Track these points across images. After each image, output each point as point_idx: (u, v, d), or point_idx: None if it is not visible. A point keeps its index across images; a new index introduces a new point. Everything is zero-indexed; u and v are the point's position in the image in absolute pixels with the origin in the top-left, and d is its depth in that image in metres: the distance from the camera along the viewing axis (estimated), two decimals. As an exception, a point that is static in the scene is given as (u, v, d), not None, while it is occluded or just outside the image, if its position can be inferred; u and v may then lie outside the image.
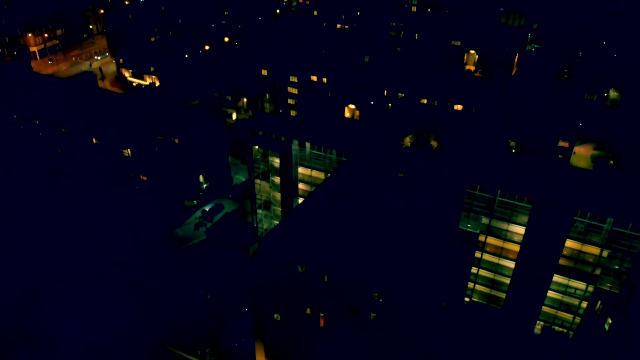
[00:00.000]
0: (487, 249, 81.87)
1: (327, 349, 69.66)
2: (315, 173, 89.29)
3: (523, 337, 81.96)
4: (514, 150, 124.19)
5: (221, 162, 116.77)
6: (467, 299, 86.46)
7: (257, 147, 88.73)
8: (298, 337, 71.83)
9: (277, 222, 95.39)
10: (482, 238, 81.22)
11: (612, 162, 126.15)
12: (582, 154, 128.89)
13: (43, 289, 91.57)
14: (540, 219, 73.26)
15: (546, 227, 72.91)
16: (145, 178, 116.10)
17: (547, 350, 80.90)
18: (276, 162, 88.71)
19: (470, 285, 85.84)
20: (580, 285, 77.17)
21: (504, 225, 78.46)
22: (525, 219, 76.20)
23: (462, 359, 77.10)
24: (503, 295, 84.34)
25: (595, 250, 74.76)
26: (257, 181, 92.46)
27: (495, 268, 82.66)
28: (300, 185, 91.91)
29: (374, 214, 69.65)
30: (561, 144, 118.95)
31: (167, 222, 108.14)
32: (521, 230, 77.27)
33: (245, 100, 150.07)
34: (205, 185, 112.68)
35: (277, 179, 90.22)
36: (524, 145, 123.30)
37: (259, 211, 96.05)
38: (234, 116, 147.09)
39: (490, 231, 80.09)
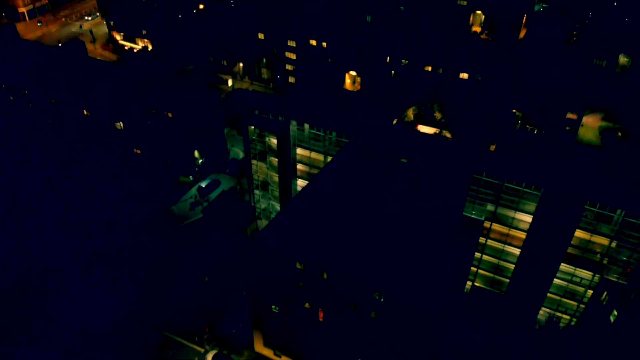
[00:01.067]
0: (492, 236, 79.50)
1: (327, 340, 68.46)
2: (314, 155, 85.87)
3: (525, 324, 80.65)
4: (520, 121, 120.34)
5: (217, 136, 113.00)
6: (469, 284, 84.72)
7: (253, 127, 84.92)
8: (297, 329, 70.52)
9: (275, 203, 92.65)
10: (487, 224, 78.72)
11: (620, 134, 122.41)
12: (589, 125, 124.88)
13: (36, 273, 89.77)
14: (548, 210, 70.34)
15: (555, 218, 69.97)
16: (139, 152, 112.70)
17: (550, 338, 79.85)
18: (273, 142, 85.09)
19: (473, 269, 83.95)
20: (587, 274, 75.16)
21: (511, 213, 75.70)
22: (532, 206, 73.41)
23: (462, 345, 76.11)
24: (506, 280, 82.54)
25: (604, 240, 72.34)
26: (254, 162, 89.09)
27: (500, 254, 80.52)
28: (299, 167, 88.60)
29: (374, 205, 66.96)
30: (569, 115, 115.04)
31: (162, 199, 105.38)
32: (528, 218, 74.62)
33: (241, 65, 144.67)
34: (200, 161, 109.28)
35: (274, 160, 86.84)
36: (530, 116, 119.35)
37: (256, 192, 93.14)
38: (230, 82, 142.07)
39: (495, 218, 77.45)
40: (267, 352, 77.80)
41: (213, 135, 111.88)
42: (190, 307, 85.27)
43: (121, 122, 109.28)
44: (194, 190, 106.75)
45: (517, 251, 78.35)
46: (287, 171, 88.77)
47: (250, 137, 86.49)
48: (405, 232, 63.36)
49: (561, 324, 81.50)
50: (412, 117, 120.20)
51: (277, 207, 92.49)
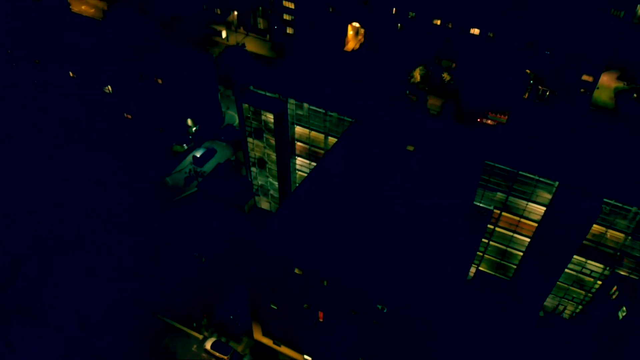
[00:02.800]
0: (501, 224, 75.93)
1: (326, 337, 66.81)
2: (314, 134, 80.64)
3: (530, 312, 78.80)
4: (532, 82, 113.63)
5: (210, 101, 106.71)
6: (473, 269, 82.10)
7: (247, 105, 79.15)
8: (296, 327, 68.71)
9: (273, 181, 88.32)
10: (495, 213, 74.95)
11: (636, 95, 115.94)
12: (604, 85, 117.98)
13: (28, 255, 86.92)
14: (564, 204, 66.27)
15: (570, 212, 65.90)
16: (130, 116, 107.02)
17: (553, 331, 78.29)
18: (270, 119, 79.53)
19: (479, 254, 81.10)
20: (597, 267, 72.25)
21: (522, 204, 71.63)
22: (545, 198, 69.25)
23: (463, 333, 74.68)
24: (513, 266, 79.85)
25: (618, 235, 68.83)
26: (250, 140, 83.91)
27: (508, 243, 77.29)
28: (298, 144, 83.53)
29: (376, 199, 63.17)
30: (585, 77, 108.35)
31: (155, 169, 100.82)
32: (540, 209, 70.68)
33: (236, 14, 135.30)
34: (194, 129, 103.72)
35: (271, 138, 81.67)
36: (543, 77, 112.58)
37: (253, 169, 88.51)
38: (224, 34, 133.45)
39: (506, 207, 73.46)
40: (267, 341, 76.48)
41: (206, 101, 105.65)
42: (188, 290, 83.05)
43: (109, 87, 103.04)
44: (188, 162, 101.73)
45: (526, 240, 75.07)
46: (285, 150, 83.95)
47: (245, 114, 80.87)
48: (407, 231, 60.08)
49: (566, 312, 79.67)
50: (418, 78, 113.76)
51: (275, 184, 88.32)
